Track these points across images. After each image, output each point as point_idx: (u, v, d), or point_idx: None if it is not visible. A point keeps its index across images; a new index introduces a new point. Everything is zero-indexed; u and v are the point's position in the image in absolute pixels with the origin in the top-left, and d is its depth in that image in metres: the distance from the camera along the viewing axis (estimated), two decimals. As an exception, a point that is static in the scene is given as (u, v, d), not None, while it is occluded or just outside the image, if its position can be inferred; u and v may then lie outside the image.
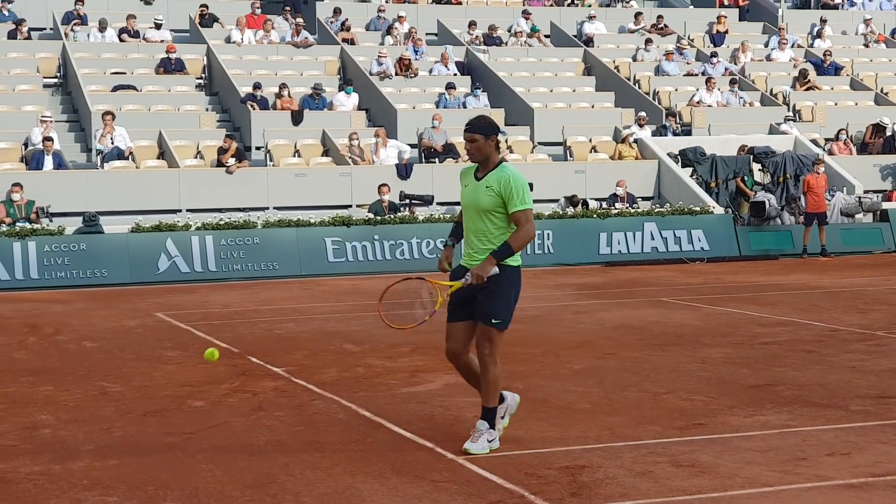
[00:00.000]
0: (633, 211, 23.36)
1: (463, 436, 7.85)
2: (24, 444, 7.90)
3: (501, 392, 7.45)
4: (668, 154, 25.50)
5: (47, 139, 22.16)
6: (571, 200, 23.64)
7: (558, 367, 10.71)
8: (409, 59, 28.65)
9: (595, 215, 22.80)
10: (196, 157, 23.55)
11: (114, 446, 7.82)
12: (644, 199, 24.77)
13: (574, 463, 7.07)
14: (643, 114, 27.01)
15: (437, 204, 23.25)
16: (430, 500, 6.33)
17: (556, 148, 26.24)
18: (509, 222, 7.20)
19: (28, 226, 19.86)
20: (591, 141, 26.21)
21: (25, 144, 22.94)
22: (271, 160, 23.98)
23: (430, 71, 29.00)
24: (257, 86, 25.77)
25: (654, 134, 26.71)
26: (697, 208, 23.41)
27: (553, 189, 23.83)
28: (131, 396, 9.61)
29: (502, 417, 7.45)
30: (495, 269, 7.11)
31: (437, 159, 24.57)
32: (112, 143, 22.80)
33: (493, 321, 7.06)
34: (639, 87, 29.47)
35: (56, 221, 20.59)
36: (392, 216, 21.80)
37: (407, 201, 22.90)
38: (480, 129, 7.22)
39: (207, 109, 26.40)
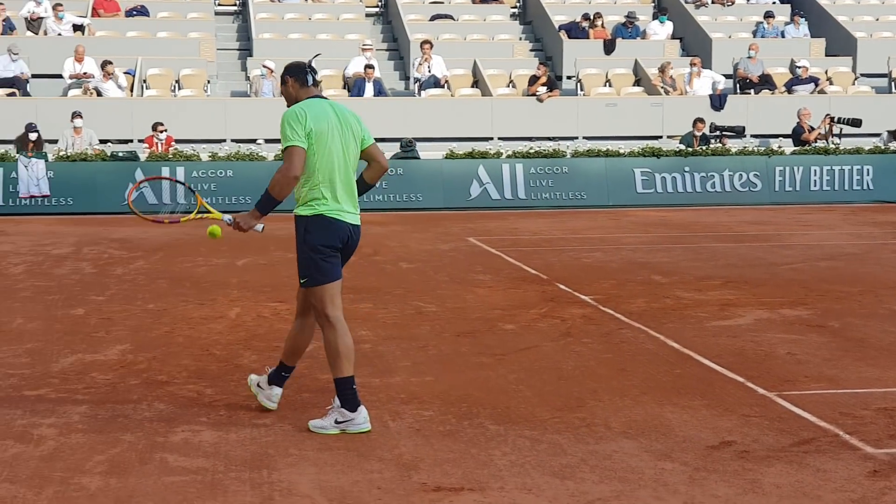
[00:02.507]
0: (963, 147, 22.03)
1: (775, 372, 7.71)
2: (346, 357, 8.30)
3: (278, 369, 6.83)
4: None
5: (368, 67, 22.95)
6: (895, 135, 22.51)
7: (877, 306, 10.31)
8: (727, -13, 27.90)
9: (921, 151, 21.66)
10: (508, 86, 23.83)
11: (429, 363, 8.12)
12: (977, 134, 23.30)
13: (893, 405, 6.82)
14: (979, 43, 25.35)
15: (750, 136, 22.65)
16: (740, 433, 6.26)
17: (880, 80, 25.01)
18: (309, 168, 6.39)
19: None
20: (919, 72, 24.85)
21: (346, 72, 23.81)
22: (582, 89, 23.97)
23: (748, -1, 28.16)
24: (581, 15, 25.71)
25: None
26: None
27: (876, 123, 22.73)
28: (445, 317, 9.93)
29: (259, 386, 6.83)
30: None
31: (752, 90, 23.89)
32: (429, 71, 23.40)
33: (301, 281, 6.60)
34: (975, 15, 27.62)
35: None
36: (703, 147, 21.41)
37: (718, 133, 22.42)
38: (281, 77, 6.71)
39: (521, 38, 26.61)
